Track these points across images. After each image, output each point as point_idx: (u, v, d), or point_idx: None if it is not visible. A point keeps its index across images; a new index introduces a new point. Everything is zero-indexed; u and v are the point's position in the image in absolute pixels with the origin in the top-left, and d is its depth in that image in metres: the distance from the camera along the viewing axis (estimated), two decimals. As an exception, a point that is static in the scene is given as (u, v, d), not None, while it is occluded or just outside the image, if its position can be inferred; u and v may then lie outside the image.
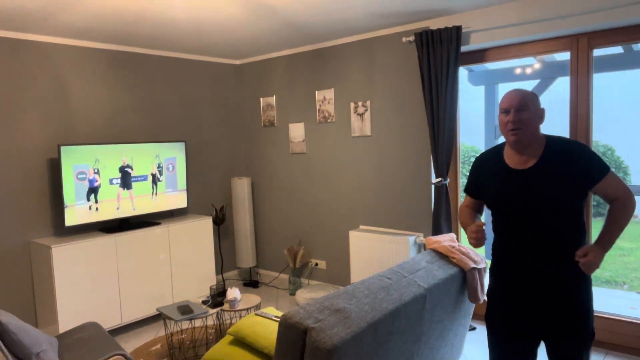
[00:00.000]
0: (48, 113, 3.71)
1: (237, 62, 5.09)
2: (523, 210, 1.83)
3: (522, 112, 1.80)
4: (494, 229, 1.99)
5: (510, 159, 1.90)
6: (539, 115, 1.83)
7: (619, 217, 1.79)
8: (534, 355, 1.95)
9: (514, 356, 1.95)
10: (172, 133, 4.55)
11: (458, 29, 3.34)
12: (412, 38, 3.67)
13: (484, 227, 1.95)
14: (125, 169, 3.92)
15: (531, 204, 1.81)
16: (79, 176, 3.63)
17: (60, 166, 3.52)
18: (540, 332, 1.89)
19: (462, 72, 4.75)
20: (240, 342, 2.49)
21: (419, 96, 3.77)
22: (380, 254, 3.83)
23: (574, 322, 1.82)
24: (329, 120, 4.37)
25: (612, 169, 1.80)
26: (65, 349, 2.47)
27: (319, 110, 4.44)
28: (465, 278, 2.51)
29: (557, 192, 1.76)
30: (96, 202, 3.74)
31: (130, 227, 3.90)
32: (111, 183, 3.83)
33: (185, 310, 3.17)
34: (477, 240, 1.93)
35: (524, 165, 1.85)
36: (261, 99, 4.94)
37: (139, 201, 4.03)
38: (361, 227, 4.25)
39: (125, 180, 3.93)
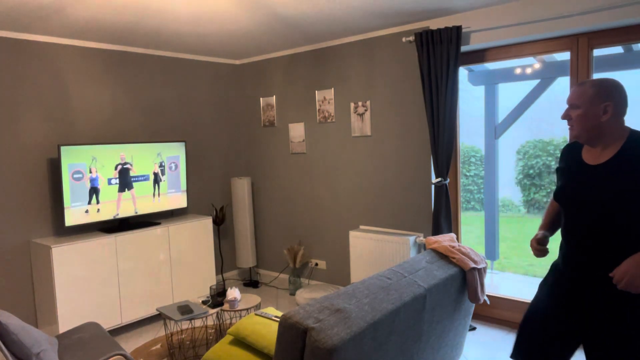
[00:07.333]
0: (48, 113, 3.71)
1: (237, 62, 5.09)
2: (580, 207, 1.74)
3: (572, 109, 1.75)
4: (562, 223, 1.90)
5: (586, 153, 1.81)
6: (602, 111, 1.69)
7: None
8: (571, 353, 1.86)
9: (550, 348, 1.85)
10: (172, 133, 4.55)
11: (458, 29, 3.34)
12: (412, 38, 3.67)
13: (546, 242, 1.91)
14: (124, 166, 3.91)
15: (590, 201, 1.71)
16: (75, 176, 3.63)
17: (60, 166, 3.52)
18: (579, 335, 1.78)
19: (462, 72, 4.75)
20: (240, 342, 2.49)
21: (419, 96, 3.77)
22: (380, 254, 3.83)
23: (617, 329, 1.65)
24: (329, 120, 4.37)
25: None
26: (65, 349, 2.47)
27: (319, 110, 4.44)
28: (465, 278, 2.51)
29: (617, 194, 1.63)
30: (97, 202, 3.74)
31: (130, 227, 3.90)
32: (110, 183, 3.83)
33: (185, 310, 3.17)
34: (536, 253, 1.89)
35: (597, 160, 1.74)
36: (261, 99, 4.94)
37: (141, 202, 4.03)
38: (361, 227, 4.24)
39: (125, 179, 3.92)
